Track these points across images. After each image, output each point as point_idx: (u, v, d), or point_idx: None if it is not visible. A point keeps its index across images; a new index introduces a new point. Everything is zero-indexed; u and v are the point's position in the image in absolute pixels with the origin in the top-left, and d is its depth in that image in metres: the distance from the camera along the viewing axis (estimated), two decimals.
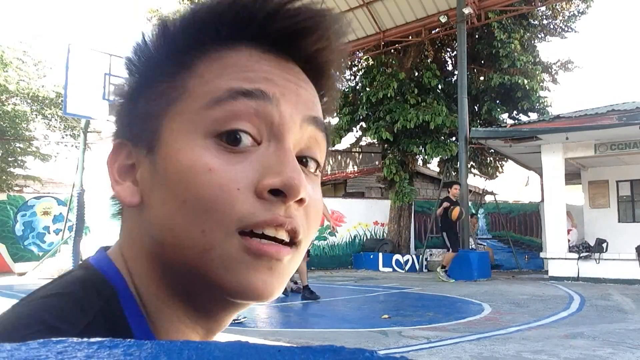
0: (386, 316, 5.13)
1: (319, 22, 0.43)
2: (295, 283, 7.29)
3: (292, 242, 0.41)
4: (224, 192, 0.38)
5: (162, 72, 0.43)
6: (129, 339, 0.23)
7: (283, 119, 0.41)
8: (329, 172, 19.28)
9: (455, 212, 9.25)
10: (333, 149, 15.73)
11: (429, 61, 14.03)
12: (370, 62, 14.46)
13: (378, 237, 13.54)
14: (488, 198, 14.78)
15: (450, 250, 9.25)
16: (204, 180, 0.38)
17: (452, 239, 9.29)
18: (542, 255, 10.53)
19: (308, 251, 6.90)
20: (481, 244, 12.37)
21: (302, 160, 0.44)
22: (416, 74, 13.73)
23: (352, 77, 16.44)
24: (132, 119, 0.44)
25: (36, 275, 9.52)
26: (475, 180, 16.89)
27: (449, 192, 9.56)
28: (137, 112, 0.43)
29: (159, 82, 0.42)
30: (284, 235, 0.39)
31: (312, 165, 0.45)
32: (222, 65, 0.41)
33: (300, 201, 0.40)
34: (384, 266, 12.09)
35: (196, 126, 0.40)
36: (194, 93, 0.41)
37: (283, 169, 0.39)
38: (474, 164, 15.10)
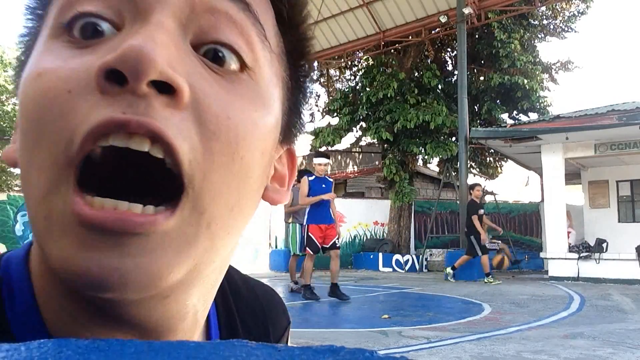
0: (386, 316, 5.13)
1: None
2: (296, 283, 7.22)
3: (177, 183, 0.27)
4: (50, 100, 0.26)
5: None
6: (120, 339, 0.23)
7: None
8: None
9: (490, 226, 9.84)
10: (333, 148, 15.76)
11: (429, 61, 14.04)
12: (370, 62, 14.47)
13: (378, 237, 13.53)
14: (488, 198, 14.78)
15: (481, 254, 9.04)
16: (30, 91, 0.27)
17: (480, 243, 9.04)
18: (542, 255, 10.53)
19: (337, 245, 6.50)
20: (495, 241, 12.37)
21: (218, 54, 0.30)
22: (416, 74, 13.74)
23: (352, 77, 16.46)
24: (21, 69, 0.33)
25: None
26: (475, 180, 16.89)
27: (470, 194, 9.35)
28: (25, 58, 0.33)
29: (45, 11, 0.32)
30: (144, 145, 0.26)
31: (231, 61, 0.30)
32: None
33: (171, 92, 0.26)
34: (384, 266, 12.09)
35: (47, 30, 0.30)
36: None
37: (120, 45, 0.26)
38: (473, 164, 15.10)
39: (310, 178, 6.45)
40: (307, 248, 6.38)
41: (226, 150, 0.29)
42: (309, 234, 6.37)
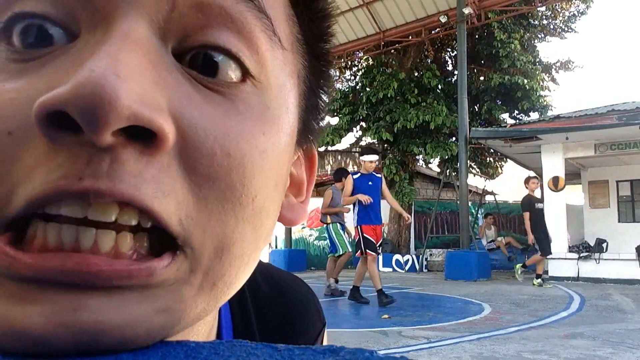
0: (386, 316, 5.13)
1: None
2: (337, 282, 6.87)
3: (170, 242, 0.21)
4: None
5: None
6: None
7: None
8: (328, 172, 19.28)
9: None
10: (333, 149, 15.77)
11: (429, 61, 14.05)
12: (370, 62, 14.47)
13: None
14: (488, 198, 14.78)
15: (540, 253, 8.44)
16: None
17: (543, 241, 8.42)
18: None
19: (378, 251, 6.09)
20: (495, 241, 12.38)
21: (210, 60, 0.23)
22: (416, 74, 13.75)
23: (352, 77, 16.45)
24: None
25: None
26: (475, 180, 16.90)
27: (527, 188, 8.63)
28: None
29: None
30: (109, 215, 0.20)
31: (228, 69, 0.23)
32: None
33: (148, 135, 0.20)
34: (384, 266, 12.08)
35: None
36: None
37: (82, 68, 0.19)
38: (474, 164, 15.10)
39: (355, 176, 6.02)
40: (368, 251, 5.89)
41: (230, 195, 0.22)
42: (365, 235, 5.89)
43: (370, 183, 5.96)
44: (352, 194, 5.95)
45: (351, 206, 6.12)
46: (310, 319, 0.46)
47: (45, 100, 0.18)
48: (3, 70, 0.21)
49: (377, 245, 6.00)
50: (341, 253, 6.75)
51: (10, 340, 0.19)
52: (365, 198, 5.81)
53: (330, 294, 6.83)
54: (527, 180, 8.67)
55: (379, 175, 6.15)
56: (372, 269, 5.98)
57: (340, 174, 6.72)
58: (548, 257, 9.65)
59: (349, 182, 6.01)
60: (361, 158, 6.19)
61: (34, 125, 0.19)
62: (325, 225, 7.00)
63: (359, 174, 6.04)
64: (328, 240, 7.17)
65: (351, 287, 6.31)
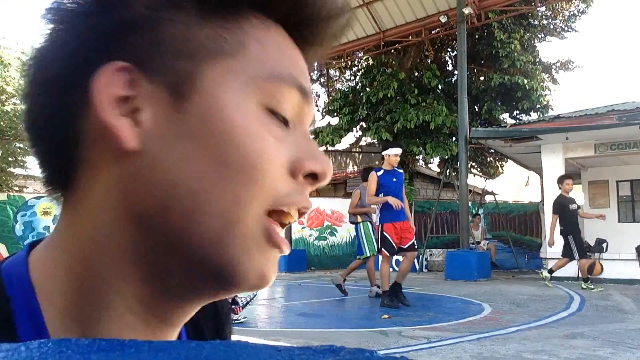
0: (386, 316, 5.13)
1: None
2: (379, 287, 6.47)
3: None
4: (272, 166, 0.35)
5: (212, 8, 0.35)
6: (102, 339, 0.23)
7: (308, 115, 0.40)
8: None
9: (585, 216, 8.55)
10: (333, 149, 15.77)
11: (429, 61, 14.06)
12: (370, 62, 14.48)
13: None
14: (488, 198, 14.78)
15: (579, 257, 7.80)
16: (256, 148, 0.34)
17: (579, 243, 7.84)
18: (542, 255, 10.52)
19: (415, 247, 6.02)
20: (486, 241, 12.35)
21: None
22: (416, 74, 13.76)
23: (352, 77, 16.46)
24: (150, 43, 0.33)
25: None
26: (475, 180, 16.91)
27: (560, 188, 7.95)
28: (163, 39, 0.33)
29: (206, 21, 0.35)
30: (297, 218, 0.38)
31: None
32: (267, 36, 0.37)
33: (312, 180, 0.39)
34: None
35: (249, 91, 0.35)
36: (251, 55, 0.35)
37: (318, 155, 0.38)
38: (474, 164, 15.10)
39: (379, 173, 5.83)
40: (384, 249, 5.80)
41: None
42: (384, 233, 5.78)
43: (394, 179, 5.81)
44: (377, 191, 5.80)
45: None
46: (228, 315, 0.50)
47: (314, 168, 0.37)
48: (270, 129, 0.35)
49: (409, 244, 5.85)
50: (368, 255, 6.57)
51: (259, 281, 0.36)
52: (396, 202, 5.66)
53: (342, 290, 6.77)
54: (561, 181, 7.93)
55: (400, 171, 6.00)
56: (383, 269, 5.86)
57: (368, 173, 6.45)
58: (550, 257, 9.65)
59: (372, 180, 5.83)
60: (385, 152, 5.97)
61: (287, 169, 0.36)
62: (354, 225, 6.85)
63: (383, 171, 5.85)
64: (355, 241, 6.99)
65: (386, 290, 5.79)
